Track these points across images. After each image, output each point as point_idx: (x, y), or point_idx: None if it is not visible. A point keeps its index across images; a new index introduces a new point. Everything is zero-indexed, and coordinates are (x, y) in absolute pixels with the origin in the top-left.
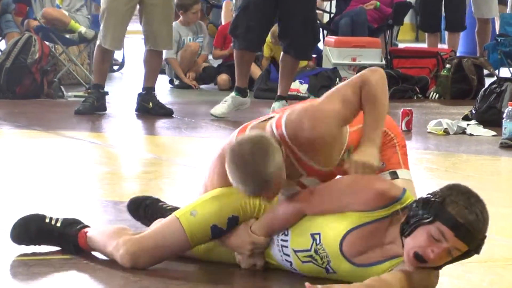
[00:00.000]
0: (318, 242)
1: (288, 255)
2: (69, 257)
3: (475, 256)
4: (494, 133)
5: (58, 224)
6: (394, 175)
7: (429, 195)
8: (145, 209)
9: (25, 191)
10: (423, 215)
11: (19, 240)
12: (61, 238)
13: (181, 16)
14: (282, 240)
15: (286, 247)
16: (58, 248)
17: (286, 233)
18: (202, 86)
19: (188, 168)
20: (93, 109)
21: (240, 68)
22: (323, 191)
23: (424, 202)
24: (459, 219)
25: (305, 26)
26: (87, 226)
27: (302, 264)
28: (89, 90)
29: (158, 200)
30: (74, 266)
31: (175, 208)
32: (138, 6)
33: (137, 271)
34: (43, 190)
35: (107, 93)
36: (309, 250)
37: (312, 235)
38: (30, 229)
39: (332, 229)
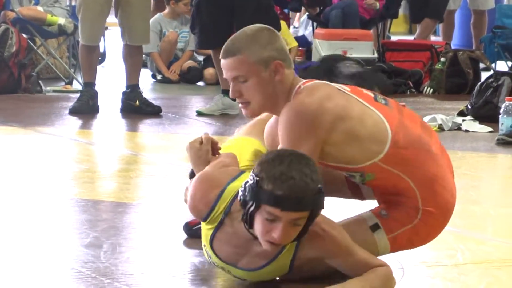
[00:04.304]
0: (209, 254)
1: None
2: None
3: (470, 257)
4: (491, 129)
5: None
6: (375, 228)
7: (248, 178)
8: None
9: None
10: (249, 203)
11: None
12: None
13: (167, 8)
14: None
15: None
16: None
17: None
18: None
19: (169, 165)
20: (88, 109)
21: (218, 69)
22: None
23: (245, 188)
24: (277, 192)
25: (256, 15)
26: None
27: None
28: (68, 85)
29: None
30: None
31: None
32: None
33: (124, 279)
34: (20, 189)
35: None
36: (210, 260)
37: (203, 245)
38: None
39: (204, 239)
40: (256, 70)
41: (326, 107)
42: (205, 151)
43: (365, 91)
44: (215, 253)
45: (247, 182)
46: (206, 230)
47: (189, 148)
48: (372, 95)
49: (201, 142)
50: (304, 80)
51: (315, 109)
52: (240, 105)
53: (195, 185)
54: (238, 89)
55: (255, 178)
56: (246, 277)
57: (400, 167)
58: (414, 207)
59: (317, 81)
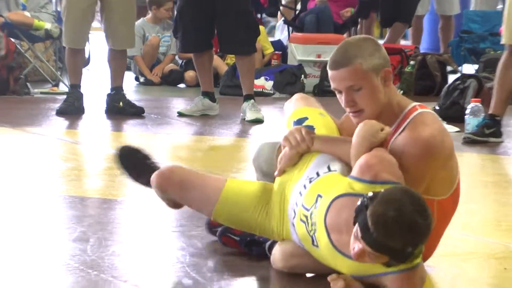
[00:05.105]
0: (316, 205)
1: (296, 205)
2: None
3: (437, 250)
4: (458, 129)
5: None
6: None
7: (366, 197)
8: (135, 162)
9: None
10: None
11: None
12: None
13: (150, 13)
14: (302, 185)
15: (301, 195)
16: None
17: (311, 179)
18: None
19: None
20: (74, 110)
21: (199, 72)
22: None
23: (362, 198)
24: (370, 223)
25: (237, 20)
26: None
27: (299, 222)
28: (54, 87)
29: (147, 157)
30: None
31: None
32: (99, 3)
33: (109, 271)
34: (9, 186)
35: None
36: (308, 210)
37: (318, 195)
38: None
39: (328, 194)
40: (370, 77)
41: (446, 145)
42: (382, 139)
43: None
44: (326, 213)
45: (365, 195)
46: (346, 182)
47: (369, 125)
48: None
49: (382, 129)
50: (414, 103)
51: (440, 146)
52: (351, 114)
53: (375, 156)
54: (352, 98)
55: (371, 197)
56: (328, 254)
57: (441, 213)
58: None
59: (426, 108)
